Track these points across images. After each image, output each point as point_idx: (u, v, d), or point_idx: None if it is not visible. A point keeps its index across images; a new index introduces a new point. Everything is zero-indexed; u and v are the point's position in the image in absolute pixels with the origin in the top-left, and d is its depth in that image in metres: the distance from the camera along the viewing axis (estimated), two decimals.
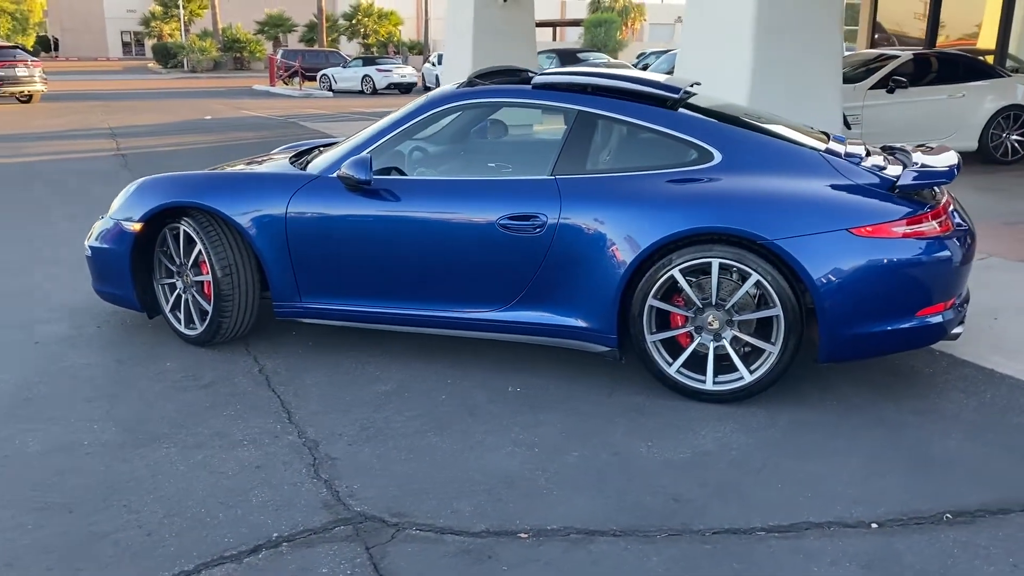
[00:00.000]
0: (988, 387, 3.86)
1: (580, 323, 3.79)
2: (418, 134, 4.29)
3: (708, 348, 3.64)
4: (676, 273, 3.56)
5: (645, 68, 20.01)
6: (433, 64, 28.22)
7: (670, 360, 3.69)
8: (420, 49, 47.84)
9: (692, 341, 3.66)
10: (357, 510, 2.88)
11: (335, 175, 4.02)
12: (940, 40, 14.88)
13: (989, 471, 3.13)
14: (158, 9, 58.52)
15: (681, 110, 3.94)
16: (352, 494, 2.98)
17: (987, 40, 14.21)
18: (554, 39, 46.83)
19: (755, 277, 3.48)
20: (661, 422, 3.53)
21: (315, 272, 4.10)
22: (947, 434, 3.42)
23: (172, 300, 4.42)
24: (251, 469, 3.15)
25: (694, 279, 3.60)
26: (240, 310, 4.22)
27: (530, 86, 4.09)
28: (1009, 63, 13.20)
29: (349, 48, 48.88)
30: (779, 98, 7.16)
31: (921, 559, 2.60)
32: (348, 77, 29.70)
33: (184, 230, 4.21)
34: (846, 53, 13.87)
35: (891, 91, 9.83)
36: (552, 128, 4.10)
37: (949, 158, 3.80)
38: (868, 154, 3.94)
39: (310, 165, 4.28)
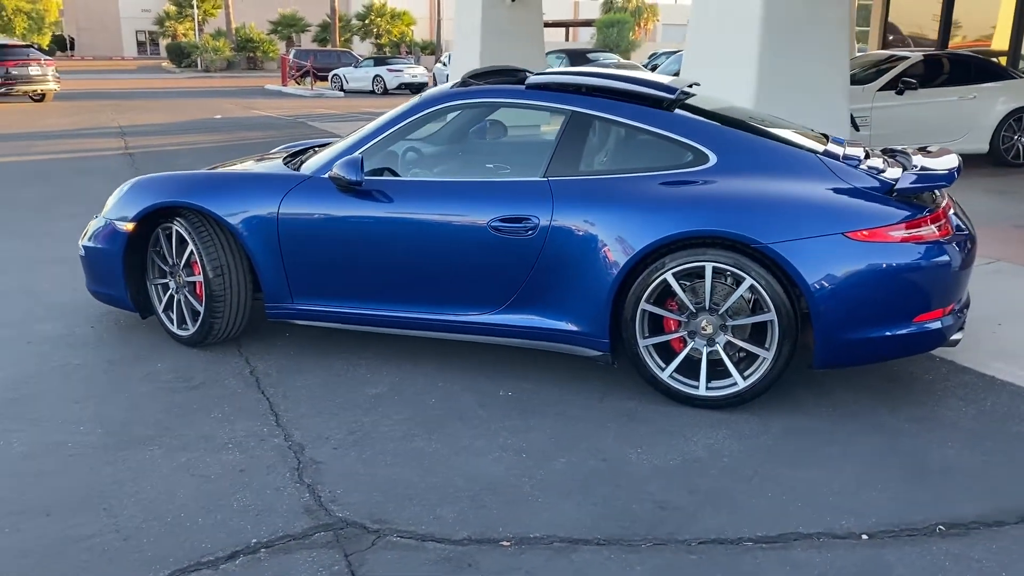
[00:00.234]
0: (988, 394, 3.78)
1: (572, 327, 3.74)
2: (412, 134, 4.25)
3: (701, 353, 3.58)
4: (669, 277, 3.51)
5: (654, 69, 19.92)
6: (444, 64, 28.18)
7: (663, 365, 3.63)
8: (432, 49, 47.90)
9: (685, 346, 3.60)
10: (338, 515, 2.84)
11: (327, 176, 3.99)
12: (955, 41, 14.74)
13: (986, 481, 3.06)
14: (172, 9, 58.83)
15: (677, 111, 3.88)
16: (334, 499, 2.94)
17: (1001, 41, 14.08)
18: (567, 39, 46.80)
19: (749, 281, 3.42)
20: (652, 428, 3.48)
21: (307, 273, 4.07)
22: (944, 442, 3.35)
23: (165, 300, 4.39)
24: (235, 473, 3.12)
25: (688, 283, 3.54)
26: (232, 311, 4.19)
27: (523, 86, 4.05)
28: (1022, 64, 13.05)
29: (362, 48, 48.99)
30: (785, 99, 7.09)
31: (911, 571, 2.54)
32: (359, 77, 29.73)
33: (176, 230, 4.19)
34: (858, 54, 13.79)
35: (900, 92, 9.73)
36: (547, 129, 4.05)
37: (949, 161, 3.74)
38: (867, 156, 3.88)
39: (303, 166, 4.25)
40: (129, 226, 4.26)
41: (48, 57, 23.17)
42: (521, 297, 3.79)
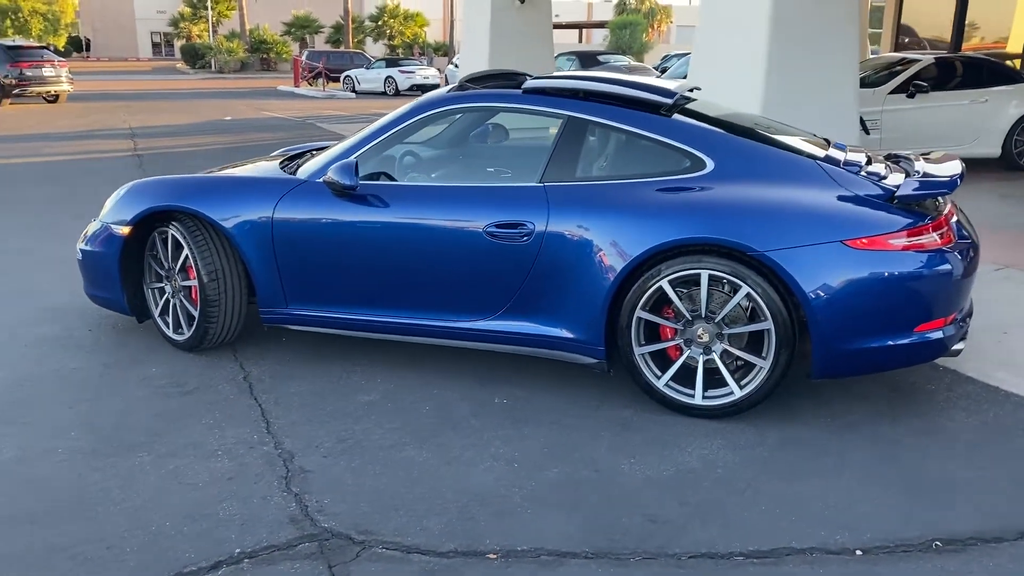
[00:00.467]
0: (992, 406, 3.71)
1: (568, 334, 3.69)
2: (408, 138, 4.21)
3: (697, 361, 3.53)
4: (665, 284, 3.46)
5: (664, 71, 19.83)
6: (456, 66, 28.19)
7: (659, 373, 3.58)
8: (446, 51, 47.92)
9: (681, 354, 3.56)
10: (324, 526, 2.81)
11: (321, 180, 3.96)
12: (972, 44, 14.60)
13: (985, 496, 2.99)
14: (187, 10, 59.09)
15: (676, 116, 3.83)
16: (321, 509, 2.90)
17: (1016, 44, 13.93)
18: (580, 41, 46.73)
19: (745, 289, 3.37)
20: (647, 437, 3.43)
21: (301, 278, 4.04)
22: (944, 455, 3.28)
23: (161, 305, 4.38)
24: (222, 481, 3.09)
25: (684, 290, 3.49)
26: (227, 316, 4.17)
27: (520, 91, 4.01)
28: None
29: (375, 50, 49.03)
30: (794, 102, 7.02)
31: None
32: (371, 78, 29.77)
33: (172, 234, 4.17)
34: (870, 56, 13.67)
35: (911, 96, 9.62)
36: (544, 134, 4.00)
37: (952, 167, 3.67)
38: (868, 162, 3.81)
39: (299, 170, 4.22)
40: (125, 230, 4.25)
41: (62, 58, 23.30)
42: (516, 303, 3.75)
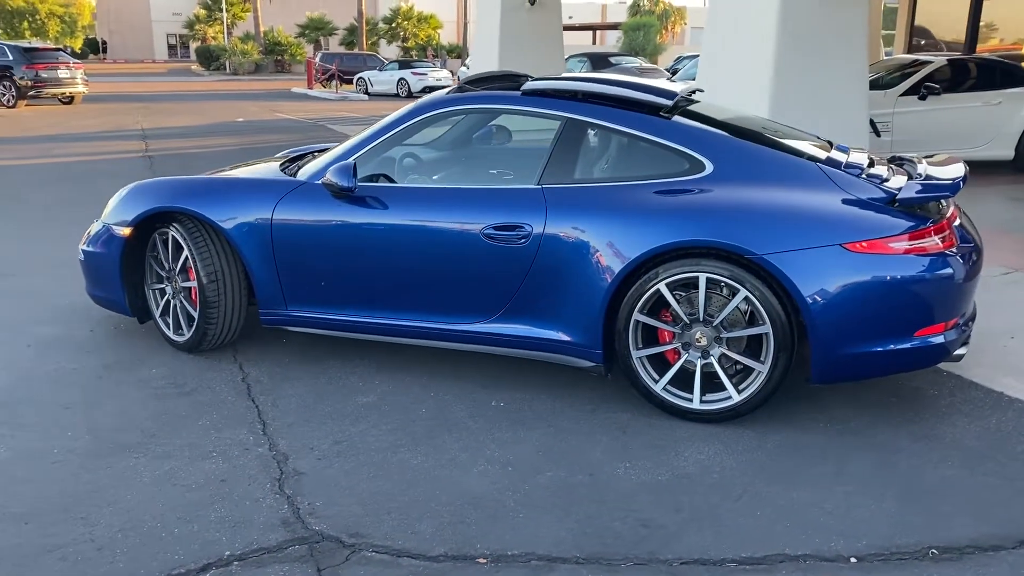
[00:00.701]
0: (994, 412, 3.66)
1: (565, 337, 3.67)
2: (407, 140, 4.20)
3: (696, 365, 3.50)
4: (662, 287, 3.43)
5: (675, 72, 19.77)
6: (467, 67, 28.23)
7: (656, 377, 3.56)
8: (459, 53, 47.96)
9: (679, 358, 3.53)
10: (315, 529, 2.80)
11: (320, 182, 3.95)
12: (988, 45, 14.47)
13: (984, 503, 2.95)
14: (202, 12, 59.45)
15: (676, 118, 3.81)
16: (313, 512, 2.89)
17: None
18: (594, 43, 46.67)
19: (744, 293, 3.33)
20: (643, 441, 3.40)
21: (300, 280, 4.03)
22: (943, 461, 3.24)
23: (162, 305, 4.39)
24: (215, 482, 3.09)
25: (683, 293, 3.47)
26: (226, 317, 4.17)
27: (519, 92, 3.99)
28: None
29: (389, 52, 49.16)
30: (802, 104, 6.97)
31: None
32: (384, 80, 29.84)
33: (172, 235, 4.18)
34: (883, 57, 13.57)
35: (923, 98, 9.54)
36: (543, 136, 3.98)
37: (955, 170, 3.63)
38: (871, 165, 3.77)
39: (299, 172, 4.22)
40: (126, 231, 4.26)
41: (77, 60, 23.46)
42: (514, 306, 3.73)
